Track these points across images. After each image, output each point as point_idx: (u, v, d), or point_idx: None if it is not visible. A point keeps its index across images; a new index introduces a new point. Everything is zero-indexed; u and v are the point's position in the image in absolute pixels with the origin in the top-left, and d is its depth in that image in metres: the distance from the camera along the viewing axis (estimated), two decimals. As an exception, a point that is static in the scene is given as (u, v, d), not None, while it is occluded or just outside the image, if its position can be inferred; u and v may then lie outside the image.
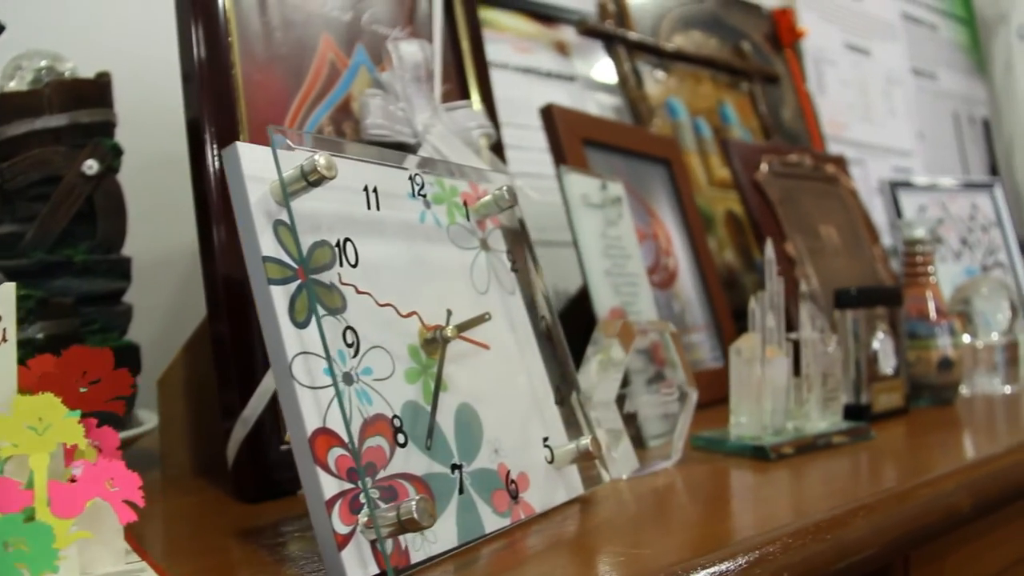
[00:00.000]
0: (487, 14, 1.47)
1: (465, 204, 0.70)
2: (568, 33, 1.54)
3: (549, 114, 1.11)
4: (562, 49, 1.54)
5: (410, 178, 0.64)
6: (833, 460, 0.79)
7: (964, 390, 1.21)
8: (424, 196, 0.66)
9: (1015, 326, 1.20)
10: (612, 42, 1.52)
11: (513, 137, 1.38)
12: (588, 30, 1.50)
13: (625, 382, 0.81)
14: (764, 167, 1.34)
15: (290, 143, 0.56)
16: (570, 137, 1.11)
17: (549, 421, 0.67)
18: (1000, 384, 1.19)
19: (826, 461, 0.79)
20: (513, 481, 0.61)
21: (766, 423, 0.83)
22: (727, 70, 1.67)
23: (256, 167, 0.55)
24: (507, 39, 1.49)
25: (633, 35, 1.53)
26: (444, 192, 0.68)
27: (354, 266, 0.56)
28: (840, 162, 1.51)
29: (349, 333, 0.54)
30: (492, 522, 0.58)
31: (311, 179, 0.54)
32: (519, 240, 0.73)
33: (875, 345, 0.98)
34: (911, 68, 2.22)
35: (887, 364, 0.99)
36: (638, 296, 0.98)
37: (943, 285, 1.28)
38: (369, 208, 0.59)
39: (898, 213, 1.54)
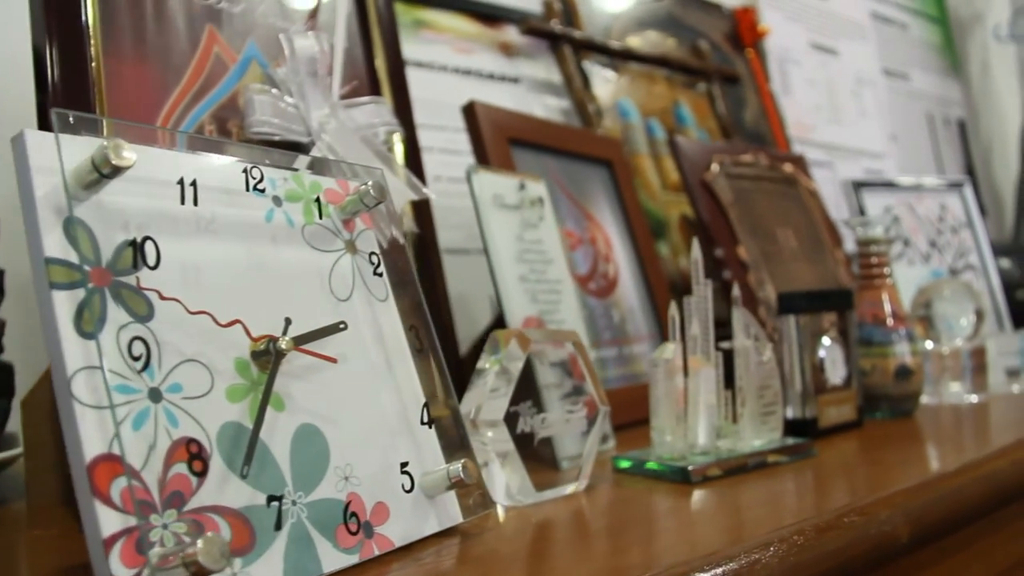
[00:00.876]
0: (425, 14, 1.40)
1: (330, 202, 0.62)
2: (513, 34, 1.47)
3: (471, 112, 1.04)
4: (506, 50, 1.46)
5: (244, 171, 0.56)
6: (765, 482, 0.71)
7: (929, 399, 1.13)
8: (273, 193, 0.58)
9: (981, 331, 1.12)
10: (557, 42, 1.45)
11: (450, 141, 1.31)
12: (531, 29, 1.42)
13: (537, 397, 0.73)
14: (715, 167, 1.26)
15: (84, 130, 0.48)
16: (494, 136, 1.03)
17: (420, 443, 0.59)
18: (965, 393, 1.10)
19: (757, 484, 0.71)
20: (355, 513, 0.52)
21: (692, 442, 0.75)
22: (683, 70, 1.60)
23: (50, 158, 0.47)
24: (447, 40, 1.41)
25: (579, 34, 1.45)
26: (302, 189, 0.60)
27: (153, 268, 0.48)
28: (799, 162, 1.43)
29: (139, 344, 0.45)
30: (333, 560, 0.50)
31: (104, 170, 0.46)
32: (398, 243, 0.65)
33: (821, 353, 0.90)
34: (882, 68, 2.15)
35: (836, 374, 0.91)
36: (560, 304, 0.89)
37: (911, 289, 1.20)
38: (184, 203, 0.51)
39: (862, 214, 1.46)
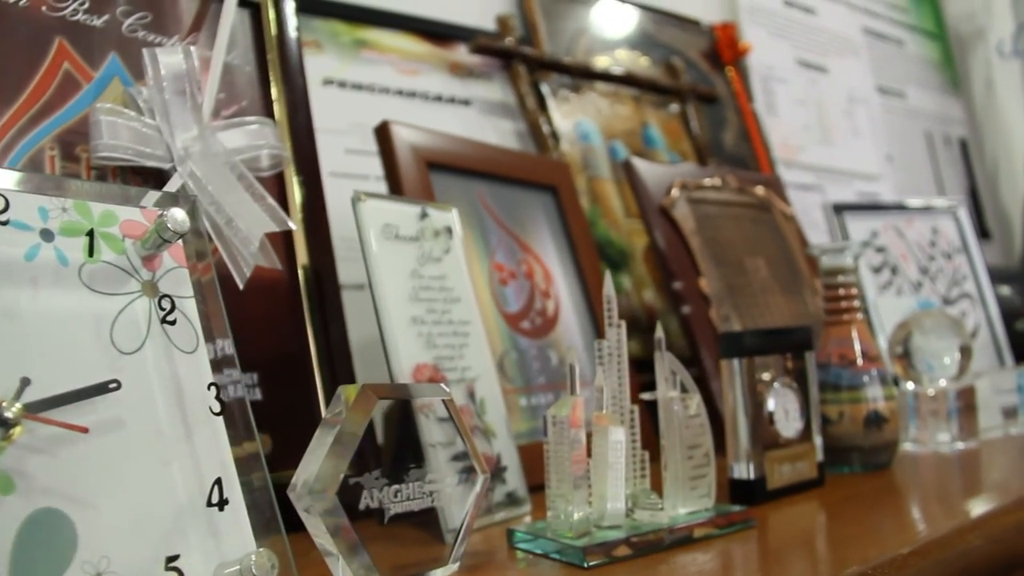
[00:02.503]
0: (368, 34, 1.30)
1: (127, 236, 0.51)
2: (465, 53, 1.36)
3: (384, 133, 0.93)
4: (457, 71, 1.36)
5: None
6: (688, 562, 0.59)
7: (912, 448, 1.00)
8: (42, 226, 0.47)
9: (968, 369, 0.99)
10: (511, 61, 1.34)
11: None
12: (481, 47, 1.32)
13: (420, 460, 0.62)
14: (675, 192, 1.15)
15: None
16: (411, 160, 0.92)
17: (208, 530, 0.47)
18: (951, 440, 0.97)
19: (677, 565, 0.59)
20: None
21: (602, 513, 0.63)
22: (653, 89, 1.49)
23: None
24: (390, 60, 1.31)
25: (534, 52, 1.35)
26: (86, 221, 0.49)
27: None
28: (774, 184, 1.31)
29: None
30: None
31: None
32: (210, 284, 0.54)
33: (771, 402, 0.77)
34: (876, 86, 2.03)
35: (789, 426, 0.79)
36: (466, 349, 0.78)
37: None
38: None
39: (845, 239, 1.34)
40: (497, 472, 0.76)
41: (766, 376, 0.78)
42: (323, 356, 0.83)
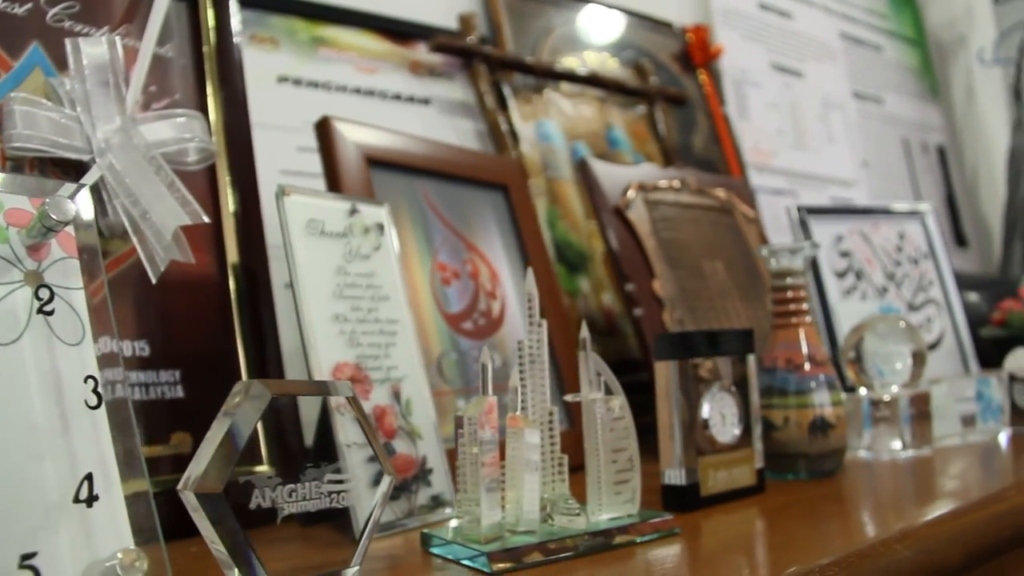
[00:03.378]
0: (326, 31, 1.28)
1: (11, 225, 0.49)
2: (427, 52, 1.35)
3: (324, 129, 0.91)
4: (417, 70, 1.34)
5: None
6: (598, 572, 0.57)
7: (867, 455, 0.98)
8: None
9: (921, 375, 0.97)
10: (471, 60, 1.32)
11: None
12: (441, 46, 1.30)
13: (332, 458, 0.60)
14: (632, 193, 1.13)
15: None
16: (351, 157, 0.90)
17: (77, 527, 0.45)
18: (904, 447, 0.95)
19: (587, 573, 0.57)
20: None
21: (517, 518, 0.61)
22: (619, 90, 1.47)
23: None
24: (348, 59, 1.29)
25: (495, 51, 1.33)
26: (-39, 207, 0.47)
27: None
28: (737, 187, 1.30)
29: None
30: None
31: None
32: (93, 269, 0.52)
33: (706, 407, 0.75)
34: (853, 91, 2.01)
35: (726, 431, 0.77)
36: (394, 348, 0.76)
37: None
38: None
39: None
40: (422, 474, 0.74)
41: (703, 379, 0.76)
42: (251, 355, 0.82)
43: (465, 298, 0.96)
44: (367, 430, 0.58)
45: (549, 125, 1.35)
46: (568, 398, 0.67)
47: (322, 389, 0.57)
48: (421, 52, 1.35)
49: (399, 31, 1.35)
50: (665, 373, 0.74)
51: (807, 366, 0.88)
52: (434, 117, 1.33)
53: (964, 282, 1.49)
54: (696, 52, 1.65)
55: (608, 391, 0.67)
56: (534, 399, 0.65)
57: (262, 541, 0.54)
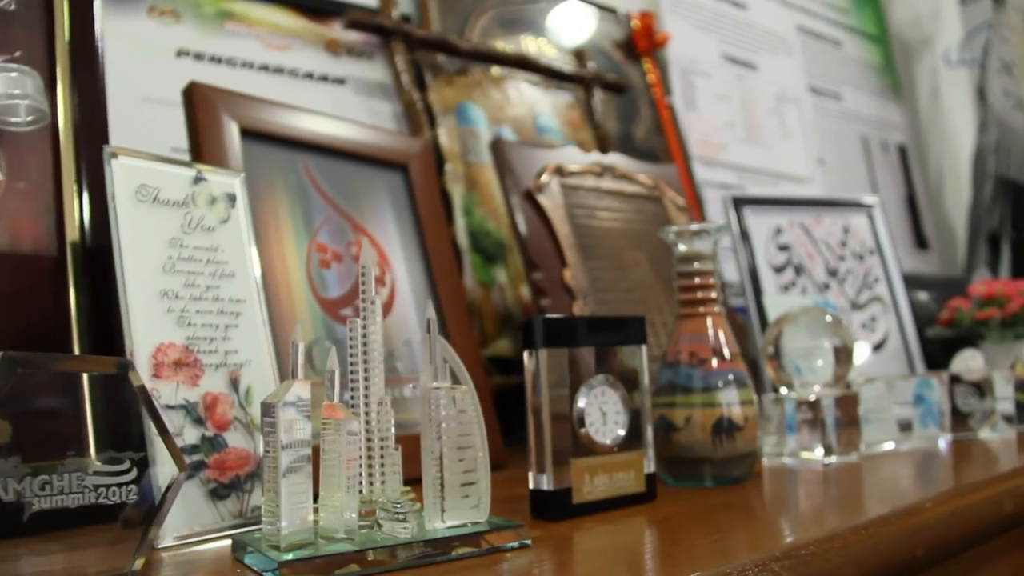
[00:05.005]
0: (233, 5, 1.20)
1: None
2: (344, 30, 1.26)
3: (190, 96, 0.83)
4: (334, 48, 1.26)
5: None
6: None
7: (789, 461, 0.89)
8: None
9: (846, 374, 0.89)
10: (390, 38, 1.24)
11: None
12: (355, 23, 1.22)
13: (140, 449, 0.51)
14: (546, 176, 1.05)
15: None
16: (220, 126, 0.82)
17: None
18: (825, 455, 0.87)
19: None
20: None
21: (334, 522, 0.53)
22: (551, 75, 1.39)
23: None
24: (257, 34, 1.21)
25: (413, 29, 1.25)
26: None
27: None
28: (668, 175, 1.21)
29: None
30: None
31: None
32: None
33: (581, 403, 0.67)
34: (809, 86, 1.94)
35: (607, 431, 0.69)
36: (237, 330, 0.68)
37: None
38: None
39: (743, 236, 1.23)
40: (259, 472, 0.65)
41: (581, 372, 0.68)
42: (87, 336, 0.73)
43: (347, 282, 0.87)
44: (156, 421, 0.50)
45: (472, 108, 1.27)
46: (409, 389, 0.58)
47: (93, 366, 0.49)
48: (338, 30, 1.27)
49: (315, 7, 1.27)
50: (533, 363, 0.66)
51: (714, 361, 0.80)
52: (348, 97, 1.25)
53: (914, 281, 1.41)
54: (641, 39, 1.58)
55: (455, 380, 0.58)
56: (366, 385, 0.57)
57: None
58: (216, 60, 1.16)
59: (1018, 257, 2.09)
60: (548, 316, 0.69)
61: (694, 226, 0.82)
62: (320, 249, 0.86)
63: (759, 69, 1.82)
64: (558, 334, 0.67)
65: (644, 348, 0.73)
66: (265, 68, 1.20)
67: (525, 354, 0.67)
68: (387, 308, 0.90)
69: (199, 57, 1.15)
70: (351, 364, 0.58)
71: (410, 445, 0.60)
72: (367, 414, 0.58)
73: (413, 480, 0.57)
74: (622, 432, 0.69)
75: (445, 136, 1.20)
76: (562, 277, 0.99)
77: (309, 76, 1.23)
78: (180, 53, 1.14)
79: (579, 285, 0.99)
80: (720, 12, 1.78)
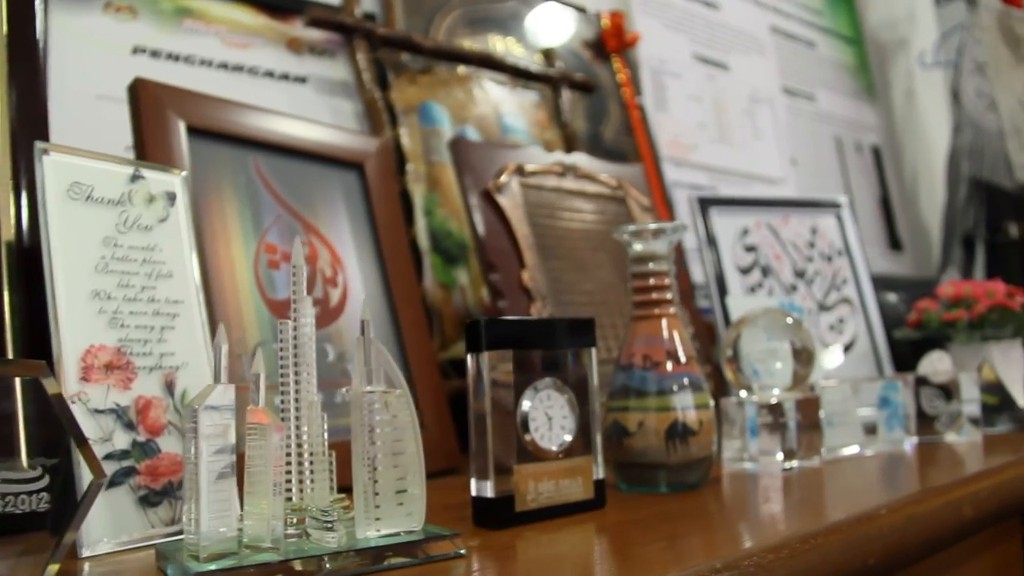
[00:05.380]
0: (193, 2, 1.18)
1: None
2: (306, 28, 1.25)
3: (135, 92, 0.81)
4: (296, 47, 1.24)
5: None
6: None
7: (750, 467, 0.88)
8: None
9: (807, 377, 0.88)
10: (352, 36, 1.23)
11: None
12: (316, 21, 1.20)
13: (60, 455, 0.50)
14: (506, 176, 1.03)
15: None
16: (165, 123, 0.80)
17: None
18: (784, 459, 0.86)
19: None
20: None
21: (259, 531, 0.51)
22: (518, 74, 1.38)
23: None
24: (217, 32, 1.19)
25: (375, 27, 1.23)
26: None
27: None
28: (633, 175, 1.20)
29: None
30: None
31: None
32: None
33: (525, 407, 0.65)
34: (782, 87, 1.93)
35: (553, 436, 0.67)
36: (172, 332, 0.66)
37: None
38: None
39: (708, 237, 1.22)
40: (192, 481, 0.63)
41: (526, 375, 0.66)
42: (22, 338, 0.71)
43: (297, 284, 0.85)
44: (67, 424, 0.48)
45: (435, 107, 1.25)
46: (342, 393, 0.57)
47: (17, 370, 0.47)
48: (301, 28, 1.25)
49: (277, 5, 1.25)
50: (475, 365, 0.64)
51: (669, 364, 0.78)
52: (310, 96, 1.23)
53: (883, 282, 1.40)
54: (610, 39, 1.56)
55: (390, 384, 0.57)
56: (296, 388, 0.55)
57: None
58: (173, 58, 1.14)
59: (992, 259, 2.09)
60: (492, 317, 0.67)
61: (648, 225, 0.80)
62: (269, 249, 0.85)
63: (731, 69, 1.81)
64: (502, 336, 0.65)
65: (594, 351, 0.71)
66: (224, 66, 1.18)
67: (468, 356, 0.65)
68: (339, 309, 0.88)
69: (155, 54, 1.13)
70: (281, 367, 0.56)
71: (347, 451, 0.58)
72: (297, 418, 0.56)
73: (350, 488, 0.55)
74: (568, 437, 0.68)
75: (407, 135, 1.19)
76: (520, 278, 0.97)
77: (270, 75, 1.21)
78: (136, 50, 1.12)
79: (537, 287, 0.97)
80: (691, 12, 1.77)
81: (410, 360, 0.91)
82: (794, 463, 0.87)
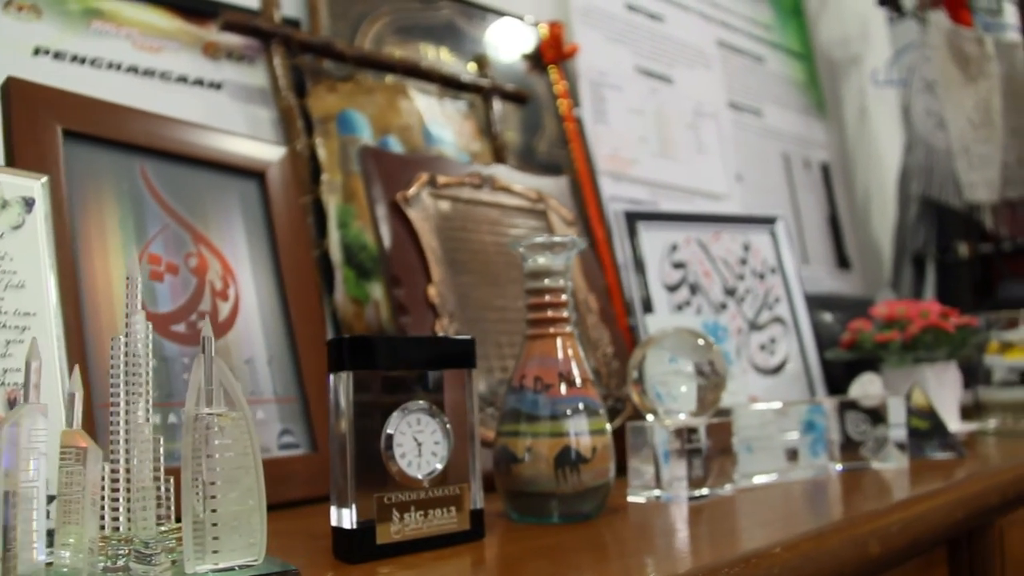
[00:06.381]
0: (103, 3, 1.14)
1: None
2: (223, 33, 1.21)
3: (6, 93, 0.76)
4: (212, 51, 1.20)
5: None
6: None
7: (660, 495, 0.84)
8: None
9: (714, 401, 0.84)
10: (269, 42, 1.19)
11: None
12: (231, 25, 1.16)
13: None
14: (416, 188, 1.00)
15: None
16: (36, 125, 0.76)
17: None
18: (689, 487, 0.82)
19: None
20: None
21: (76, 563, 0.47)
22: (445, 83, 1.34)
23: None
24: (128, 34, 1.15)
25: (293, 33, 1.19)
26: None
27: None
28: (556, 188, 1.17)
29: None
30: None
31: None
32: None
33: (391, 430, 0.62)
34: (728, 101, 1.91)
35: (422, 463, 0.63)
36: (22, 347, 0.61)
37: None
38: None
39: (634, 253, 1.19)
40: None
41: (393, 397, 0.62)
42: None
43: (181, 296, 0.81)
44: None
45: (355, 115, 1.22)
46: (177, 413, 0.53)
47: None
48: (218, 32, 1.21)
49: (193, 8, 1.21)
50: (335, 386, 0.60)
51: (562, 387, 0.75)
52: (224, 103, 1.19)
53: (820, 302, 1.37)
54: (548, 50, 1.53)
55: (227, 407, 0.53)
56: (127, 409, 0.51)
57: None
58: (79, 60, 1.10)
59: (942, 278, 2.08)
60: (357, 335, 0.63)
61: (543, 239, 0.77)
62: (153, 260, 0.80)
63: (675, 83, 1.78)
64: (369, 354, 0.61)
65: (473, 372, 0.67)
66: (134, 70, 1.14)
67: (331, 376, 0.61)
68: (228, 324, 0.84)
69: (59, 56, 1.09)
70: (112, 385, 0.52)
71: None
72: (127, 441, 0.52)
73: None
74: (439, 465, 0.64)
75: (323, 144, 1.15)
76: (426, 293, 0.93)
77: (183, 80, 1.17)
78: (38, 51, 1.07)
79: (444, 302, 0.93)
80: (635, 24, 1.75)
81: (305, 378, 0.87)
82: (704, 491, 0.83)
